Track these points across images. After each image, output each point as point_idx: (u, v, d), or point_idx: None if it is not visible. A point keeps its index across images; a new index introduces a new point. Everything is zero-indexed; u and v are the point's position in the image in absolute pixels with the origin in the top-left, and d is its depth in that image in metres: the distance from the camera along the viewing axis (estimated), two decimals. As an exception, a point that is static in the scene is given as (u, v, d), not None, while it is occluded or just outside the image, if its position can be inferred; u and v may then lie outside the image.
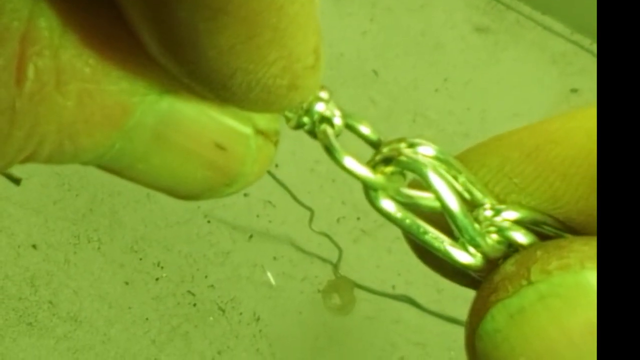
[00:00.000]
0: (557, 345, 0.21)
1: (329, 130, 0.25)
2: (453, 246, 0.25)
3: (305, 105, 0.24)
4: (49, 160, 0.21)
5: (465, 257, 0.24)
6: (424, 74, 1.07)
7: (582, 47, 1.08)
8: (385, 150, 0.25)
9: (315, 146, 0.26)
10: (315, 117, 0.24)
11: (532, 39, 1.10)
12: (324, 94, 0.25)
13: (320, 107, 0.25)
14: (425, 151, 0.25)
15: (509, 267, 0.23)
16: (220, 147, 0.23)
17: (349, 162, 0.24)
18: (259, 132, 0.23)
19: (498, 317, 0.22)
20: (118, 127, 0.21)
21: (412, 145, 0.25)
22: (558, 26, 1.10)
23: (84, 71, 0.20)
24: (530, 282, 0.22)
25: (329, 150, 0.24)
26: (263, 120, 0.24)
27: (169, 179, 0.23)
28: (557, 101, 1.06)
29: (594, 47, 1.08)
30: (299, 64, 0.21)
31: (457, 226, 0.24)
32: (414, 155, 0.24)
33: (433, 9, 1.11)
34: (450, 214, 0.24)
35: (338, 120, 0.25)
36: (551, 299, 0.21)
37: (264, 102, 0.21)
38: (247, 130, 0.23)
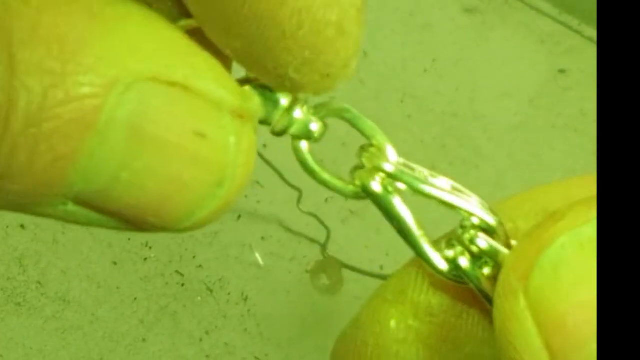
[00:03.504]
0: None
1: (304, 146, 0.26)
2: (433, 249, 0.26)
3: (282, 112, 0.26)
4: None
5: (442, 263, 0.25)
6: (413, 55, 1.07)
7: (570, 27, 1.09)
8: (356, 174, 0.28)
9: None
10: (293, 130, 0.26)
11: (520, 19, 1.10)
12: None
13: (297, 114, 0.26)
14: (390, 157, 0.26)
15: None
16: (199, 134, 0.22)
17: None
18: (234, 112, 0.23)
19: (568, 246, 0.21)
20: (91, 127, 0.21)
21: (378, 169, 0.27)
22: (546, 6, 1.10)
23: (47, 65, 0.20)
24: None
25: (304, 165, 0.26)
26: (235, 99, 0.23)
27: (156, 188, 0.22)
28: (546, 81, 1.06)
29: (582, 28, 1.08)
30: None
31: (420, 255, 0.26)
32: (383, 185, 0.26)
33: (422, -12, 1.11)
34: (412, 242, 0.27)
35: (315, 127, 0.26)
36: None
37: (313, 46, 0.22)
38: (222, 111, 0.23)
